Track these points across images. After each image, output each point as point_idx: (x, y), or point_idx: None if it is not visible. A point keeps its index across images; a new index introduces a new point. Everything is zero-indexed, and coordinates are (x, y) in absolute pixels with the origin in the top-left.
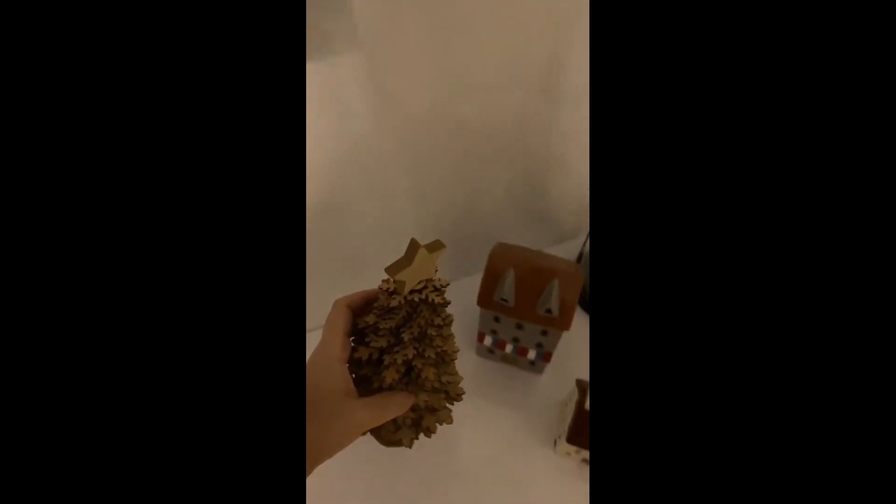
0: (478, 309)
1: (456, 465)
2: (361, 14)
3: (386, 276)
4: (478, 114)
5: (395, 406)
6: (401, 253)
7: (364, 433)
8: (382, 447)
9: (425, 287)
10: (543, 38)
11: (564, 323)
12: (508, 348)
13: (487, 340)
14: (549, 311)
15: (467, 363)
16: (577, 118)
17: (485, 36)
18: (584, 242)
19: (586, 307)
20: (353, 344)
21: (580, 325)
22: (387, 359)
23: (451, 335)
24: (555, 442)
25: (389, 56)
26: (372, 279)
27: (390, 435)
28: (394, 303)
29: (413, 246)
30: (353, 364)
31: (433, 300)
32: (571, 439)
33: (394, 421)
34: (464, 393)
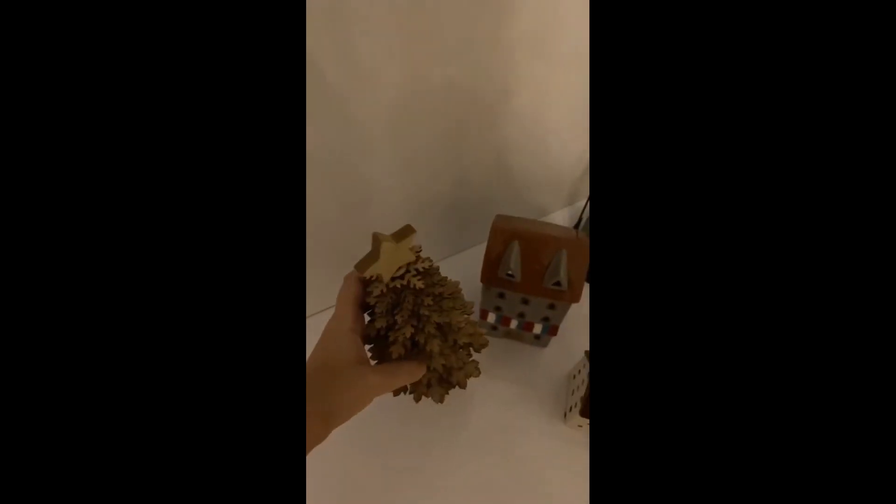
0: (477, 284)
1: (465, 439)
2: None
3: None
4: (463, 77)
5: (406, 374)
6: (393, 228)
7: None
8: (396, 417)
9: (407, 272)
10: None
11: (574, 295)
12: (513, 324)
13: (491, 318)
14: (557, 283)
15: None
16: (570, 80)
17: None
18: (584, 208)
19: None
20: (367, 316)
21: (585, 295)
22: (391, 335)
23: (454, 306)
24: (564, 414)
25: (357, 17)
26: (357, 255)
27: (422, 391)
28: (376, 291)
29: (376, 240)
30: (366, 337)
31: (415, 285)
32: (586, 412)
33: (425, 379)
34: (488, 342)
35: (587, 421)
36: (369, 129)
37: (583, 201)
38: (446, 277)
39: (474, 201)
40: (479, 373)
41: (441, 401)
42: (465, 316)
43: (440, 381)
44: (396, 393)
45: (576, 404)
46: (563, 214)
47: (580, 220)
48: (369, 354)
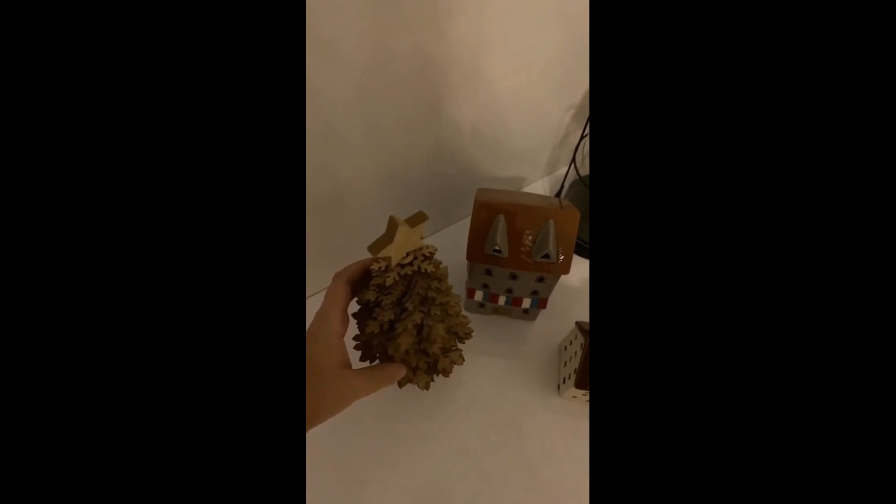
0: (463, 262)
1: (460, 416)
2: None
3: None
4: (431, 45)
5: (387, 377)
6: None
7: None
8: (390, 397)
9: (415, 258)
10: None
11: (564, 267)
12: (501, 300)
13: (478, 296)
14: (546, 256)
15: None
16: (546, 42)
17: None
18: (565, 176)
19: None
20: (356, 319)
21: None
22: (398, 326)
23: (449, 286)
24: (558, 386)
25: None
26: (341, 234)
27: (409, 377)
28: (389, 280)
29: (392, 223)
30: (363, 337)
31: (425, 269)
32: (581, 384)
33: (412, 367)
34: (473, 331)
35: (582, 392)
36: (333, 103)
37: (563, 169)
38: (440, 262)
39: (452, 175)
40: (464, 360)
41: (427, 388)
42: (457, 296)
43: (428, 368)
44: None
45: (570, 376)
46: (543, 184)
47: (562, 188)
48: (359, 354)
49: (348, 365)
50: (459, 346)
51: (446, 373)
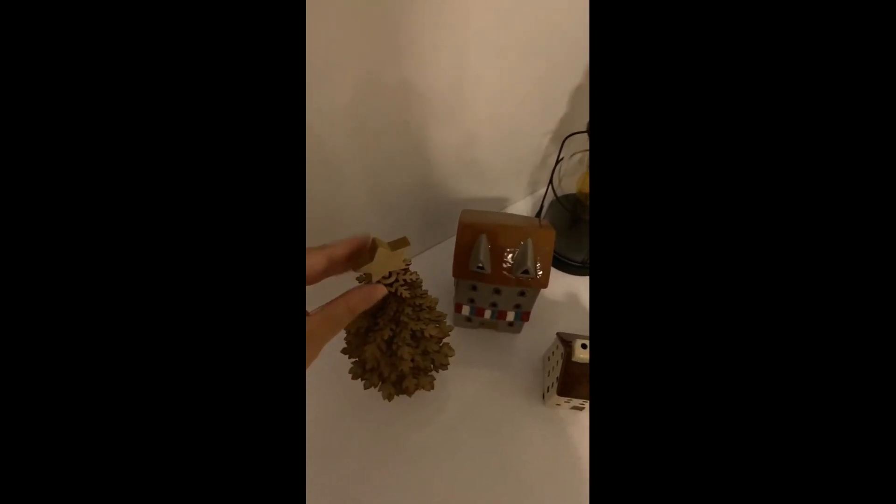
0: (449, 279)
1: (448, 426)
2: None
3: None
4: (417, 77)
5: (347, 309)
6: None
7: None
8: (382, 406)
9: (395, 280)
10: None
11: (542, 281)
12: (487, 314)
13: (465, 310)
14: (526, 271)
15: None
16: (523, 72)
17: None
18: (544, 196)
19: (555, 262)
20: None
21: (552, 280)
22: (370, 336)
23: (430, 318)
24: (543, 395)
25: (313, 17)
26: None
27: (374, 382)
28: None
29: (373, 245)
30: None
31: (401, 294)
32: (563, 391)
33: (379, 374)
34: (448, 365)
35: (564, 399)
36: (328, 133)
37: (543, 189)
38: (427, 291)
39: (439, 197)
40: (433, 387)
41: (389, 399)
42: (438, 327)
43: (396, 381)
44: (356, 376)
45: (553, 384)
46: (525, 203)
47: (542, 208)
48: (344, 345)
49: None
50: (433, 373)
51: (408, 392)
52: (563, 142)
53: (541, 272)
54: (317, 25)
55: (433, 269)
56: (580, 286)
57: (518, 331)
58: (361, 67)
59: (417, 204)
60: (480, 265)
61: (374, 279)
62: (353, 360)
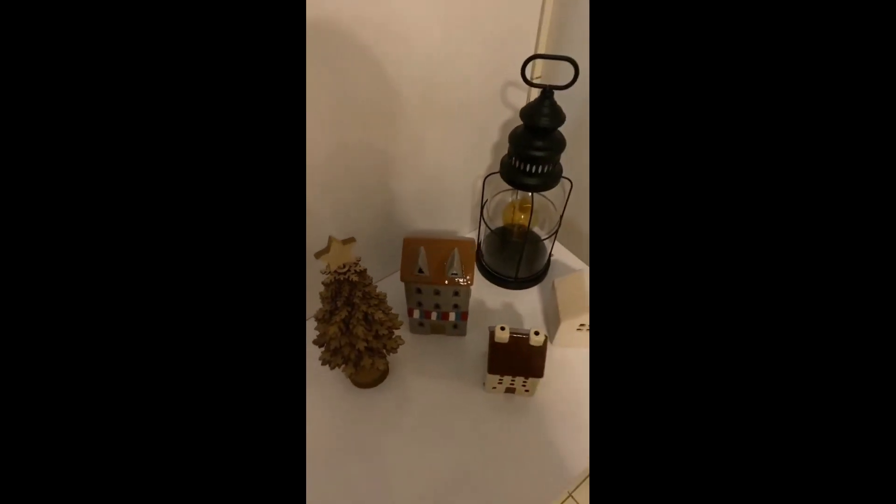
0: (404, 299)
1: (416, 413)
2: None
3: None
4: (377, 139)
5: None
6: None
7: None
8: (354, 395)
9: (348, 270)
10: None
11: (468, 281)
12: (433, 316)
13: (416, 314)
14: (455, 273)
15: (408, 342)
16: (461, 134)
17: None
18: (479, 228)
19: (483, 270)
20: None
21: (483, 290)
22: (331, 319)
23: (378, 306)
24: (483, 383)
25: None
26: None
27: (337, 362)
28: (326, 279)
29: (329, 240)
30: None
31: (352, 279)
32: (491, 369)
33: (342, 355)
34: (397, 348)
35: (497, 380)
36: (309, 182)
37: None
38: (376, 286)
39: (398, 231)
40: (386, 365)
41: (349, 376)
42: (384, 313)
43: (356, 360)
44: (324, 362)
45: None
46: (472, 235)
47: (478, 236)
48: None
49: None
50: (387, 354)
51: (363, 370)
52: (484, 181)
53: (468, 276)
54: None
55: (391, 291)
56: (513, 297)
57: (463, 333)
58: (334, 134)
59: (382, 238)
60: (421, 269)
61: (332, 268)
62: (321, 347)
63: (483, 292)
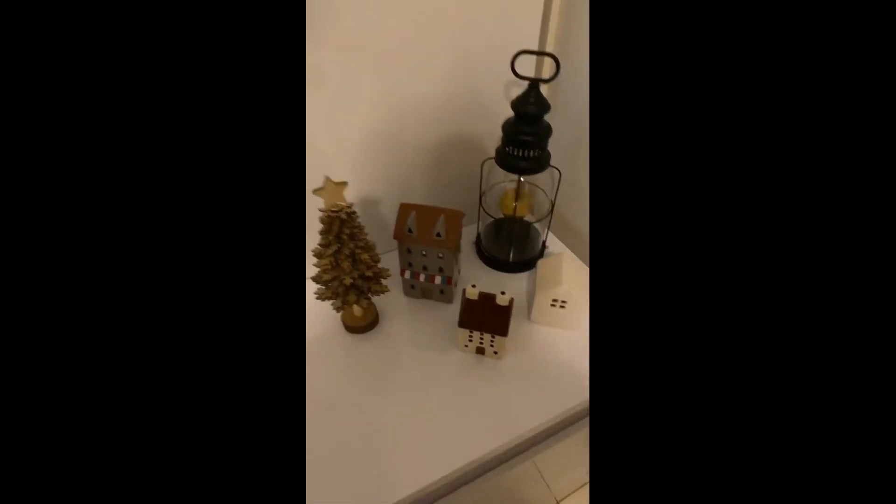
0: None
1: (397, 363)
2: None
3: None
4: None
5: None
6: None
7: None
8: (344, 338)
9: (340, 210)
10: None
11: (450, 244)
12: (422, 277)
13: (407, 274)
14: (438, 234)
15: (400, 303)
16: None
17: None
18: (478, 216)
19: (479, 252)
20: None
21: (481, 273)
22: (323, 253)
23: (364, 248)
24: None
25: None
26: None
27: (329, 297)
28: (321, 216)
29: (325, 179)
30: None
31: (342, 217)
32: (461, 323)
33: (332, 288)
34: (380, 292)
35: (468, 336)
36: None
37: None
38: (366, 233)
39: None
40: (368, 303)
41: (337, 311)
42: (369, 255)
43: (360, 293)
44: (320, 296)
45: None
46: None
47: (478, 222)
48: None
49: None
50: (371, 296)
51: (349, 304)
52: (482, 165)
53: (449, 237)
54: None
55: (394, 260)
56: (507, 279)
57: (450, 300)
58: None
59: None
60: (410, 229)
61: (326, 204)
62: (317, 283)
63: (480, 274)
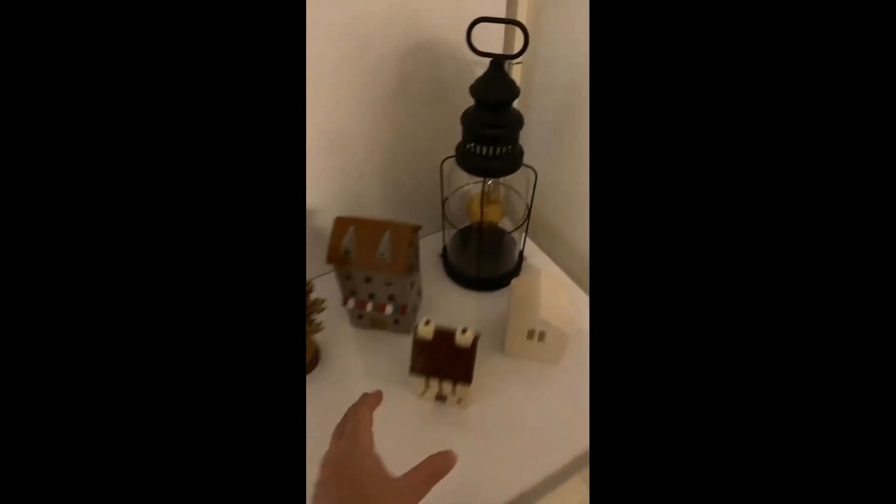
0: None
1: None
2: None
3: None
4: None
5: (435, 465)
6: None
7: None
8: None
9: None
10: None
11: (397, 267)
12: (369, 307)
13: (350, 303)
14: (382, 255)
15: (346, 334)
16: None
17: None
18: (442, 227)
19: (447, 266)
20: None
21: (448, 292)
22: None
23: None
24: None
25: None
26: None
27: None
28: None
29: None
30: None
31: None
32: (413, 368)
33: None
34: (324, 307)
35: (426, 384)
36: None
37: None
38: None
39: None
40: (314, 356)
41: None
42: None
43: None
44: None
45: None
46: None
47: (443, 236)
48: None
49: (390, 474)
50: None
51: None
52: (441, 165)
53: (396, 260)
54: None
55: (331, 296)
56: (481, 300)
57: (406, 330)
58: None
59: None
60: (346, 250)
61: None
62: None
63: (448, 294)
